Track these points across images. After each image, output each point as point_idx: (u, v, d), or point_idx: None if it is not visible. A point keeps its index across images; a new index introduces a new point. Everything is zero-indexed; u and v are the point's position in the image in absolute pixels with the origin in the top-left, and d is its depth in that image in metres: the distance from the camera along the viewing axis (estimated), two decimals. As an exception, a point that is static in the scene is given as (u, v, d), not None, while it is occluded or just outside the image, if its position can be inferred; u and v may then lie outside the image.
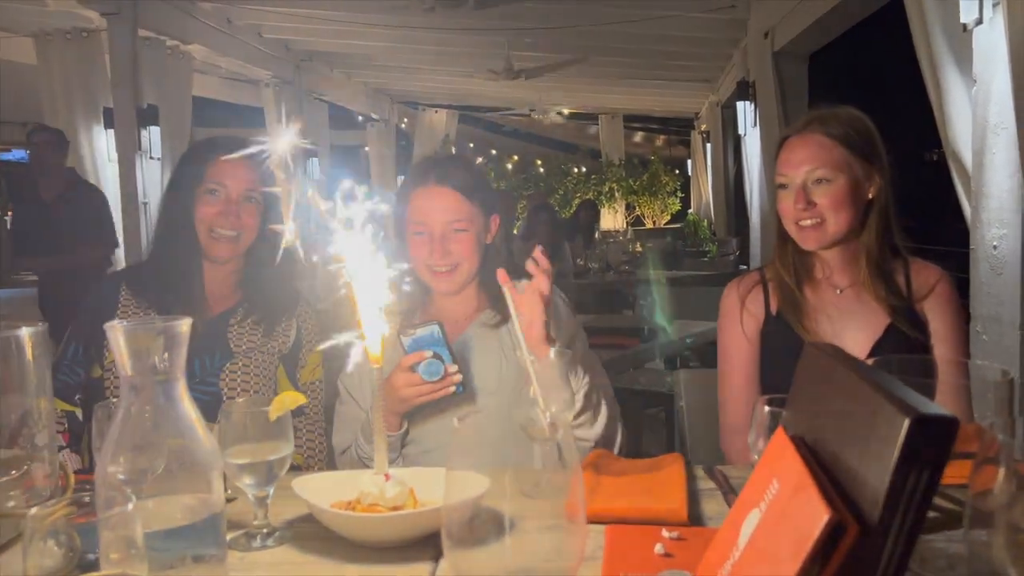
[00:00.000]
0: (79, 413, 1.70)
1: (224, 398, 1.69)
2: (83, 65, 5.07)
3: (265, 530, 1.09)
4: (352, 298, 1.05)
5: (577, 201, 10.47)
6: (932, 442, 0.59)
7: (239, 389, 1.71)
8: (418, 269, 1.66)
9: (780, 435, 0.82)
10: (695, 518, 1.13)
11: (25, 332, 0.87)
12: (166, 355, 0.83)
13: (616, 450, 1.57)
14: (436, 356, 1.46)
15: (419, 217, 1.63)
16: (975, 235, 2.42)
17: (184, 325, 0.84)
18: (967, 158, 2.49)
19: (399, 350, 1.47)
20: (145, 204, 4.92)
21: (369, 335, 1.06)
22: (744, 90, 5.66)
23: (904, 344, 1.60)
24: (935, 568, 0.76)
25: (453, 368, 1.47)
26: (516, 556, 0.69)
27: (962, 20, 2.35)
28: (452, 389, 1.48)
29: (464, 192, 1.63)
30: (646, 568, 0.93)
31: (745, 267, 6.84)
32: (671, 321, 3.64)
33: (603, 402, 1.54)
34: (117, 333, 0.81)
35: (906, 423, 0.59)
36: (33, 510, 0.70)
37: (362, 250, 1.04)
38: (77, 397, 1.71)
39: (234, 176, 1.71)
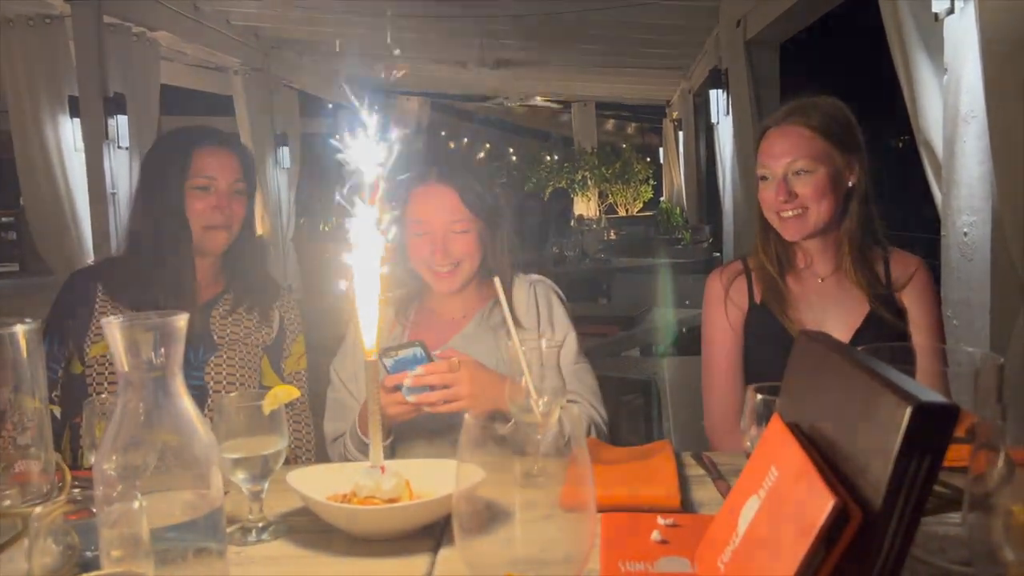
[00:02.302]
0: (57, 412, 1.67)
1: (210, 391, 1.67)
2: (47, 52, 4.93)
3: (260, 524, 1.09)
4: (350, 289, 1.05)
5: (550, 190, 10.48)
6: (933, 429, 0.61)
7: (224, 382, 1.70)
8: (418, 268, 1.64)
9: (776, 422, 0.83)
10: (687, 504, 1.15)
11: (19, 329, 0.85)
12: (163, 350, 0.82)
13: None
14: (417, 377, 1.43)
15: (419, 216, 1.61)
16: (946, 222, 2.46)
17: (181, 320, 0.83)
18: (938, 146, 2.53)
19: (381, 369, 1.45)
20: (114, 194, 4.83)
21: (365, 327, 1.05)
22: (717, 78, 5.68)
23: (884, 332, 1.63)
24: (928, 550, 0.78)
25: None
26: (523, 545, 0.69)
27: (933, 9, 2.38)
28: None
29: (464, 192, 1.62)
30: (644, 555, 0.94)
31: (718, 254, 6.89)
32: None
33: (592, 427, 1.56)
34: (114, 329, 0.79)
35: (908, 411, 0.61)
36: (37, 509, 0.69)
37: (363, 241, 1.04)
38: (54, 394, 1.68)
39: (222, 169, 1.70)
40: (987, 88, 2.13)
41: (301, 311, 1.90)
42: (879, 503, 0.62)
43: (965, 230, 2.37)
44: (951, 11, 2.30)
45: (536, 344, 1.23)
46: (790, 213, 1.63)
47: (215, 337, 1.73)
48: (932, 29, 2.47)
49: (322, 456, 1.74)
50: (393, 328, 1.69)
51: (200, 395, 1.65)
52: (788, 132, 1.65)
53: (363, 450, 1.53)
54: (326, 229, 9.31)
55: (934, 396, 0.62)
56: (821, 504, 0.64)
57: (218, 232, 1.71)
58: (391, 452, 1.59)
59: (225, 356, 1.72)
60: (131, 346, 0.81)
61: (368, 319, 1.04)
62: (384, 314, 1.07)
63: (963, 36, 2.26)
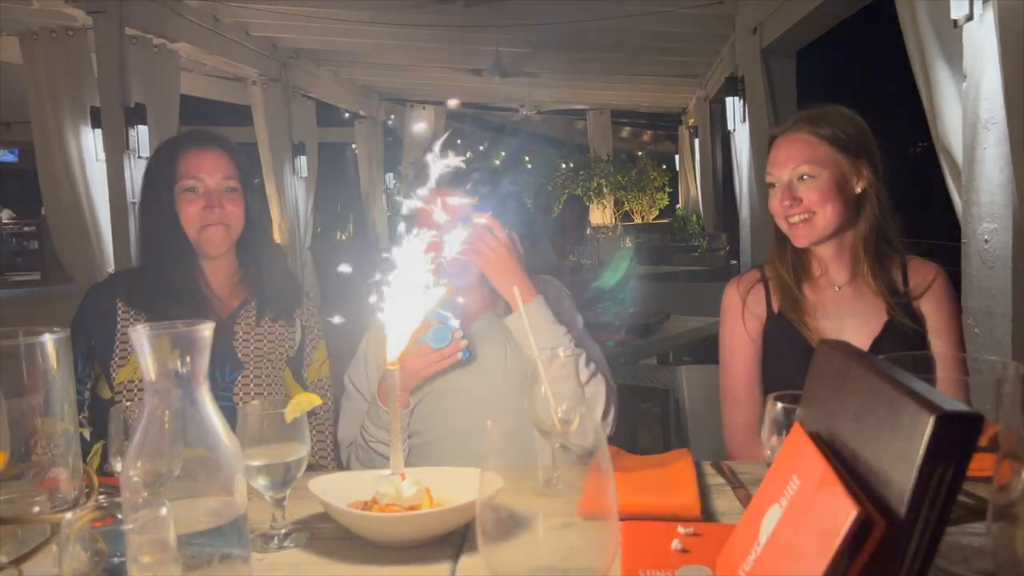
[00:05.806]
0: (87, 433, 1.66)
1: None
2: (69, 64, 5.01)
3: (283, 531, 1.10)
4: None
5: (564, 197, 10.46)
6: (957, 438, 0.61)
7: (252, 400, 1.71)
8: None
9: (798, 431, 0.83)
10: (708, 514, 1.15)
11: (48, 338, 0.87)
12: (188, 359, 0.83)
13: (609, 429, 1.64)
14: (441, 322, 1.51)
15: None
16: (966, 229, 2.45)
17: (207, 329, 0.84)
18: (958, 153, 2.51)
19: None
20: (134, 204, 4.89)
21: (391, 336, 1.06)
22: (733, 86, 5.67)
23: (903, 340, 1.63)
24: (952, 561, 0.78)
25: (459, 333, 1.53)
26: (546, 552, 0.70)
27: (952, 16, 2.37)
28: (459, 356, 1.55)
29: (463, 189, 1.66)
30: (664, 564, 0.94)
31: (735, 262, 6.86)
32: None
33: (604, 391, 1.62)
34: (140, 337, 0.81)
35: (931, 420, 0.61)
36: (67, 515, 0.71)
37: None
38: (82, 416, 1.66)
39: (209, 168, 1.71)
40: (1007, 94, 2.12)
41: (320, 317, 1.91)
42: (902, 513, 0.62)
43: (986, 237, 2.36)
44: (970, 17, 2.29)
45: (554, 353, 1.24)
46: (797, 218, 1.65)
47: (239, 354, 1.73)
48: (951, 35, 2.46)
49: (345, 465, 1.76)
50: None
51: (230, 415, 1.65)
52: (792, 140, 1.67)
53: (378, 423, 1.60)
54: (343, 238, 9.36)
55: (958, 405, 0.62)
56: (844, 513, 0.64)
57: (214, 230, 1.70)
58: (410, 418, 1.65)
59: (252, 375, 1.73)
60: (157, 355, 0.82)
61: (396, 330, 1.06)
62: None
63: (982, 42, 2.24)
